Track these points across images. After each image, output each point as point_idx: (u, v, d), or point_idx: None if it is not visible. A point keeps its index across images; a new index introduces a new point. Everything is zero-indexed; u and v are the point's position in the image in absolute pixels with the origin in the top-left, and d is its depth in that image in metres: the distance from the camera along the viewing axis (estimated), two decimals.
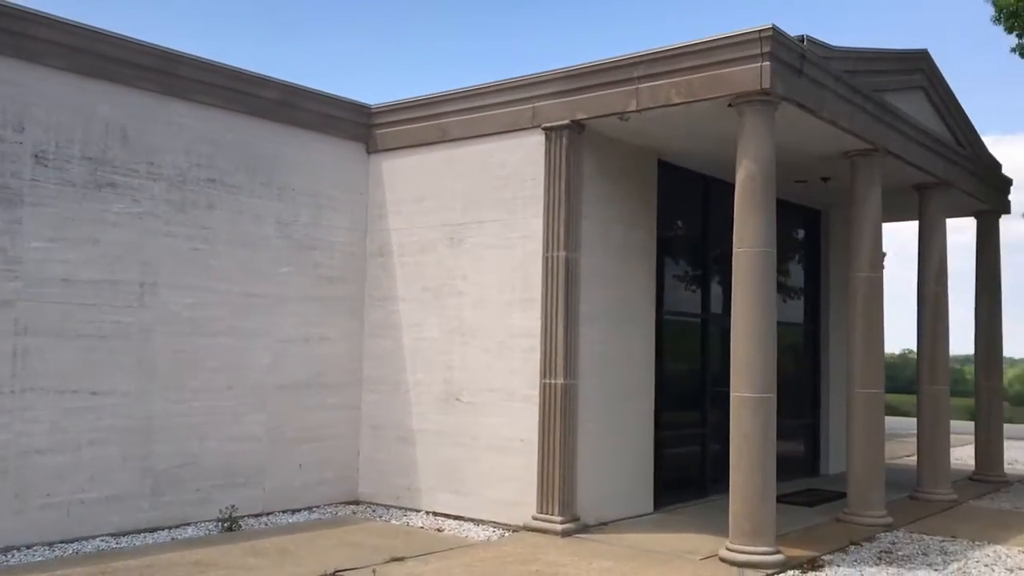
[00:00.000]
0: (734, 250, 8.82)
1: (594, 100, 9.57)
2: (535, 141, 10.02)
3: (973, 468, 15.27)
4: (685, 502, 11.64)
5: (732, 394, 8.71)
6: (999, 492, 13.73)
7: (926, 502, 12.43)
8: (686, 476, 12.04)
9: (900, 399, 40.77)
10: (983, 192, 14.16)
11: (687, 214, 12.46)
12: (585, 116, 9.66)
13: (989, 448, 14.90)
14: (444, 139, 10.88)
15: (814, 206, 15.13)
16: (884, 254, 25.23)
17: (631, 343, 10.68)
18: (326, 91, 11.30)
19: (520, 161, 10.18)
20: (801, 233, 15.35)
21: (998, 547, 9.65)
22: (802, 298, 15.37)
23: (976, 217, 15.18)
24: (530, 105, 10.07)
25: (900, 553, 9.26)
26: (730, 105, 8.88)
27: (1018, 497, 13.26)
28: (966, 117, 13.43)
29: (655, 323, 11.22)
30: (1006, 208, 15.21)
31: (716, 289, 13.11)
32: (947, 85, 12.75)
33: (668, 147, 10.96)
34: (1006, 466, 17.12)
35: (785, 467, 14.28)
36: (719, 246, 13.98)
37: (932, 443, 12.71)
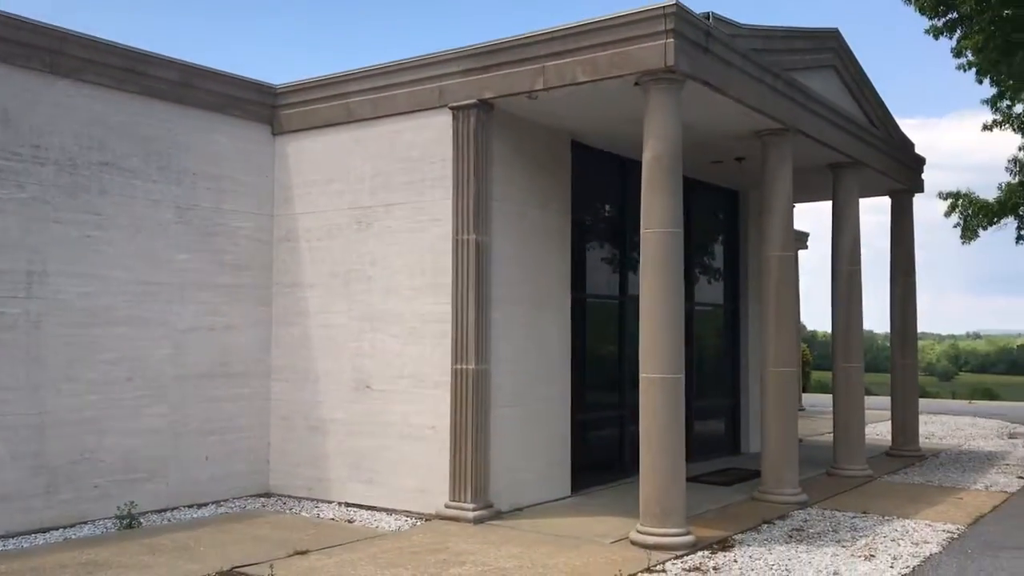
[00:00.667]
0: (641, 231, 8.72)
1: (501, 79, 9.36)
2: (443, 121, 9.79)
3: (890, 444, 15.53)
4: (604, 485, 11.58)
5: (641, 375, 8.63)
6: (913, 467, 13.96)
7: (842, 478, 12.57)
8: (605, 459, 11.98)
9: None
10: (896, 171, 14.33)
11: (604, 196, 12.36)
12: (493, 95, 9.45)
13: (905, 424, 15.16)
14: (351, 119, 10.57)
15: (733, 187, 15.17)
16: (807, 234, 25.67)
17: (546, 326, 10.54)
18: (227, 71, 10.91)
19: (428, 141, 9.94)
20: (721, 215, 15.39)
21: (906, 522, 9.77)
22: (722, 279, 15.43)
23: (890, 196, 15.37)
24: (437, 84, 9.82)
25: (811, 530, 9.30)
26: (636, 84, 8.75)
27: (931, 471, 13.49)
28: (878, 97, 13.56)
29: (571, 306, 11.10)
30: (919, 187, 15.43)
31: (635, 271, 13.03)
32: (858, 64, 12.83)
33: (582, 128, 10.82)
34: (926, 440, 17.53)
35: (707, 446, 14.44)
36: (638, 228, 13.97)
37: (847, 420, 12.85)
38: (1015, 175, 18.07)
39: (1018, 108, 17.91)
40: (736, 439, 15.29)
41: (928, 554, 8.28)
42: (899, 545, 8.64)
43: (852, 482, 12.32)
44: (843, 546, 8.57)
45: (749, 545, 8.58)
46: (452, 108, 9.67)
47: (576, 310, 11.30)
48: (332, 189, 10.76)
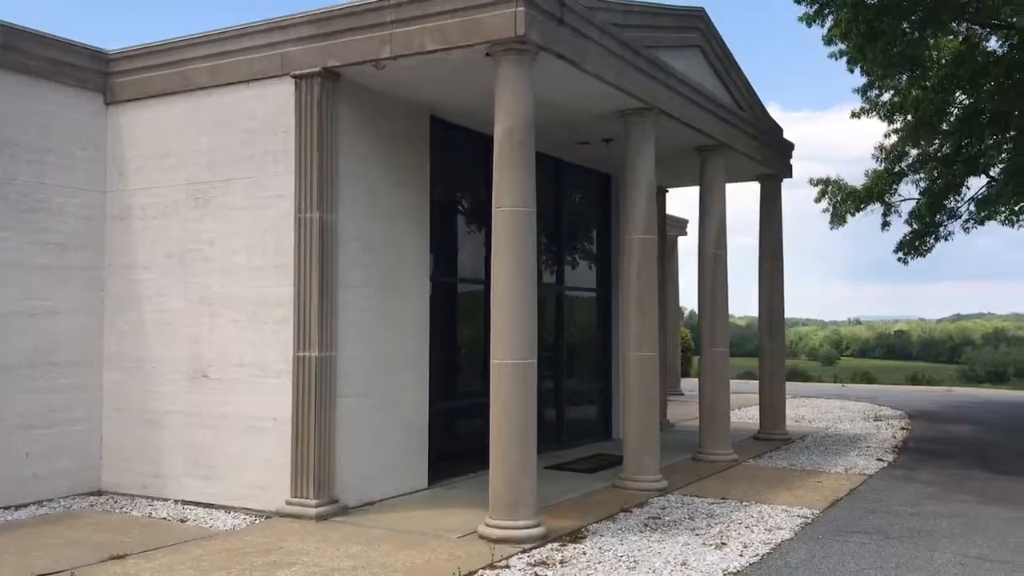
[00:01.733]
0: (493, 210, 8.29)
1: (346, 46, 8.77)
2: (285, 90, 9.14)
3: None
4: (467, 475, 11.15)
5: (492, 361, 8.22)
6: (779, 450, 14.04)
7: (707, 463, 12.50)
8: (468, 448, 11.55)
9: (746, 362, 42.86)
10: (765, 156, 14.33)
11: (470, 175, 11.88)
12: (338, 63, 8.85)
13: (772, 407, 15.26)
14: (188, 88, 9.81)
15: (606, 170, 14.93)
16: (686, 221, 25.78)
17: (401, 311, 10.02)
18: (55, 34, 9.97)
19: (269, 112, 9.27)
20: (593, 198, 15.15)
21: (764, 507, 9.67)
22: (595, 263, 15.20)
23: (759, 181, 15.41)
24: (279, 51, 9.16)
25: (668, 518, 9.08)
26: (488, 54, 8.30)
27: (795, 454, 13.57)
28: (746, 80, 13.50)
29: (432, 290, 10.62)
30: (788, 172, 15.52)
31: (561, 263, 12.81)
32: (725, 46, 12.72)
33: (443, 103, 10.32)
34: (796, 423, 17.77)
35: (579, 432, 14.21)
36: (567, 222, 13.61)
37: (712, 404, 12.79)
38: (881, 162, 18.46)
39: (885, 96, 18.30)
40: (608, 424, 15.12)
41: (780, 540, 8.14)
42: (752, 532, 8.49)
43: (716, 467, 12.25)
44: (697, 534, 8.37)
45: (602, 535, 8.28)
46: (295, 77, 9.03)
47: (438, 294, 10.83)
48: (168, 163, 9.97)
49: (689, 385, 26.51)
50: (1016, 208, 18.41)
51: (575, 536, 8.24)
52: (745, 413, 19.39)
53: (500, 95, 8.20)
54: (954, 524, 8.97)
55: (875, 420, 18.77)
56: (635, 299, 10.60)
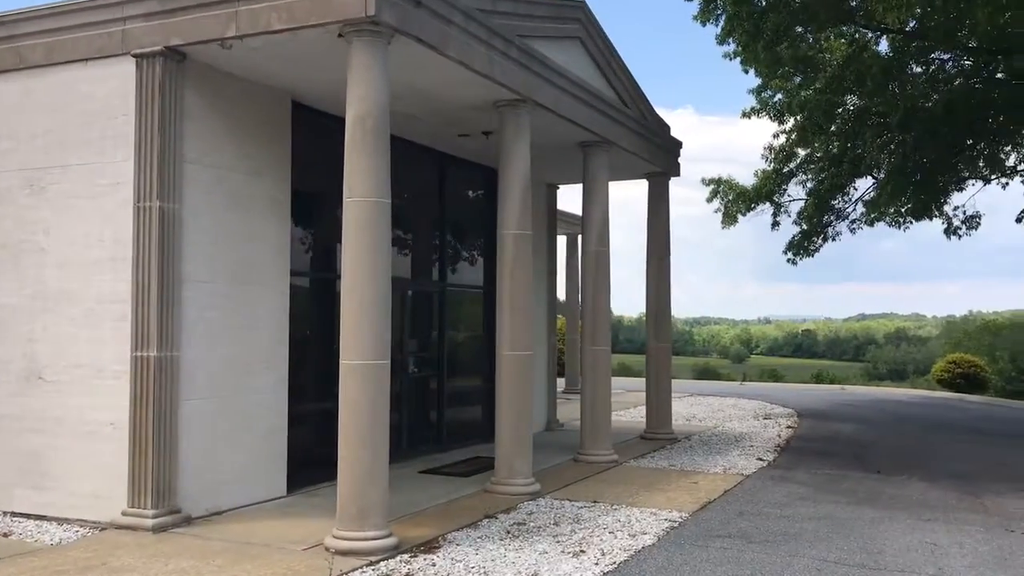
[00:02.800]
0: (344, 200, 7.82)
1: (191, 23, 8.18)
2: (126, 70, 8.49)
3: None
4: (330, 482, 10.55)
5: (341, 362, 7.76)
6: (663, 450, 13.90)
7: (586, 464, 12.26)
8: (331, 453, 10.98)
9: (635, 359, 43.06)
10: (652, 153, 14.17)
11: (337, 164, 11.28)
12: (182, 42, 8.24)
13: (659, 406, 15.13)
14: (22, 66, 9.06)
15: (491, 164, 14.53)
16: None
17: (256, 308, 9.45)
18: None
19: (110, 94, 8.61)
20: (478, 193, 14.77)
21: (633, 511, 9.43)
22: (482, 260, 14.83)
23: (647, 179, 15.26)
24: (119, 27, 8.50)
25: (533, 524, 8.75)
26: (340, 35, 7.82)
27: (678, 454, 13.44)
28: (630, 76, 13.30)
29: (295, 286, 10.08)
30: (676, 171, 15.40)
31: (443, 257, 12.32)
32: (607, 40, 12.48)
33: (304, 88, 9.78)
34: (686, 422, 17.74)
35: (462, 434, 13.81)
36: (450, 216, 13.11)
37: (593, 404, 12.54)
38: (770, 162, 18.56)
39: (778, 96, 18.39)
40: (491, 426, 14.71)
41: (641, 547, 7.88)
42: (615, 538, 8.22)
43: (595, 468, 12.01)
44: (558, 541, 8.05)
45: (459, 544, 7.90)
46: (136, 56, 8.39)
47: (300, 290, 10.30)
48: (1, 147, 9.20)
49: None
50: (903, 210, 18.71)
51: (429, 546, 7.83)
52: (640, 412, 19.29)
53: (352, 79, 7.75)
54: (820, 526, 8.86)
55: (764, 418, 18.89)
56: (508, 296, 10.26)
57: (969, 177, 17.93)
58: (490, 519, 8.98)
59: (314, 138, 10.45)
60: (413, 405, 12.80)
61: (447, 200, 13.59)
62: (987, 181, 19.05)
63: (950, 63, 15.66)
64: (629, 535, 8.34)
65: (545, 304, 15.88)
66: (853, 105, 16.65)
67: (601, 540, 8.12)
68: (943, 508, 9.88)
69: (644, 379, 15.65)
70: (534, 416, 15.48)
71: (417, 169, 12.84)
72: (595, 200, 12.61)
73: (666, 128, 14.87)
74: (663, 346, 15.20)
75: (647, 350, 15.33)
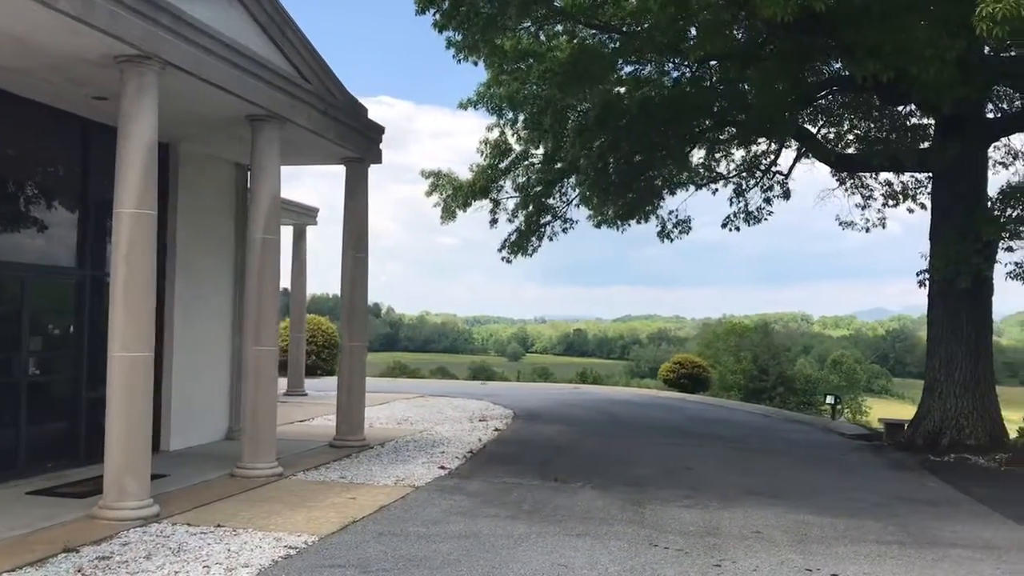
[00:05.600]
0: None
1: None
2: None
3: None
4: None
5: None
6: (345, 459, 12.77)
7: (243, 479, 10.92)
8: None
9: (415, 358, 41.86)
10: (342, 136, 13.01)
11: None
12: None
13: (350, 411, 14.02)
14: None
15: (162, 139, 12.84)
16: (316, 210, 24.11)
17: None
18: None
19: None
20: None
21: (255, 536, 8.22)
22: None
23: (345, 165, 14.12)
24: None
25: (118, 559, 7.33)
26: None
27: (358, 465, 12.35)
28: (311, 48, 12.09)
29: None
30: (376, 158, 14.33)
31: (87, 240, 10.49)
32: (280, 6, 11.21)
33: None
34: (398, 425, 16.79)
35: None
36: (97, 192, 11.21)
37: (255, 411, 11.21)
38: (485, 156, 17.96)
39: (499, 89, 17.81)
40: (157, 435, 13.03)
41: None
42: (207, 574, 6.97)
43: (250, 484, 10.70)
44: None
45: None
46: None
47: None
48: None
49: (323, 385, 24.94)
50: (610, 212, 18.71)
51: None
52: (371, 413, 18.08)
53: None
54: (456, 548, 8.04)
55: (479, 420, 18.28)
56: (123, 288, 8.75)
57: (659, 178, 18.09)
58: (69, 553, 7.47)
59: None
60: (39, 413, 10.91)
61: (93, 174, 11.75)
62: (699, 187, 19.45)
63: (650, 66, 15.66)
64: (227, 569, 7.12)
65: (231, 300, 14.34)
66: (557, 100, 16.31)
67: (175, 569, 6.85)
68: (601, 520, 9.39)
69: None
70: (213, 423, 14.05)
71: (49, 136, 11.01)
72: (264, 182, 11.29)
73: (361, 110, 13.76)
74: (357, 345, 14.09)
75: (340, 349, 14.19)
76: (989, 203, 15.67)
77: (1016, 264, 15.13)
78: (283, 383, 24.17)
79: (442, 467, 12.25)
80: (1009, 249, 15.14)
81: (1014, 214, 14.99)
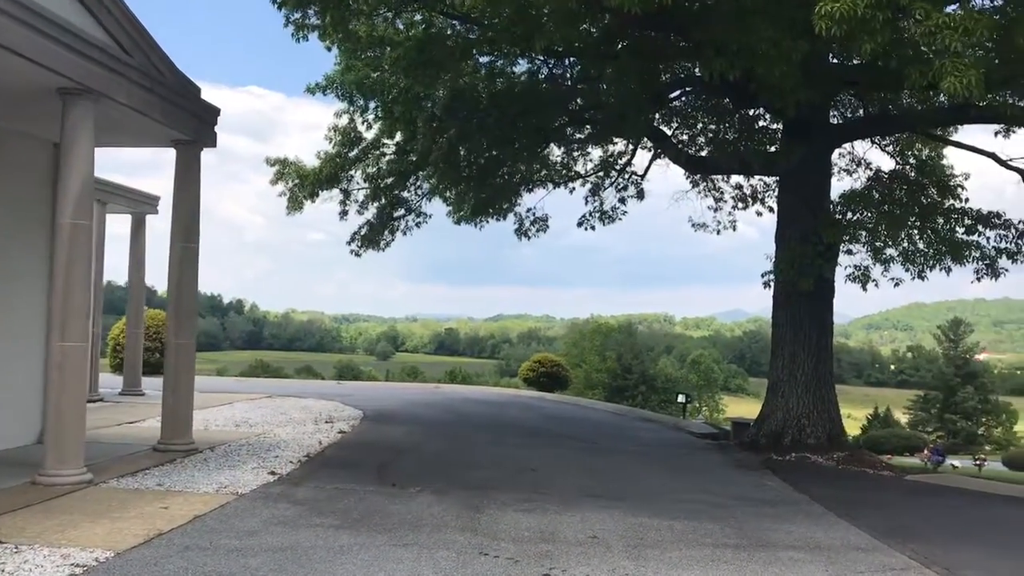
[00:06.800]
0: None
1: None
2: None
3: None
4: None
5: None
6: (168, 464, 11.83)
7: (45, 487, 9.89)
8: None
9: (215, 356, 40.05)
10: (168, 116, 12.04)
11: None
12: None
13: (177, 413, 13.03)
14: None
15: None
16: (158, 198, 22.76)
17: None
18: None
19: None
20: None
21: (42, 552, 7.36)
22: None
23: (175, 148, 13.13)
24: None
25: None
26: None
27: (179, 471, 11.44)
28: (134, 20, 11.14)
29: None
30: (210, 141, 13.39)
31: None
32: None
33: None
34: (236, 427, 15.86)
35: None
36: None
37: (59, 411, 10.18)
38: (334, 144, 17.20)
39: (349, 76, 17.09)
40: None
41: None
42: None
43: (53, 492, 9.69)
44: None
45: None
46: None
47: None
48: None
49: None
50: (464, 208, 18.29)
51: None
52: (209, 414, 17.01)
53: None
54: (270, 562, 7.41)
55: (325, 422, 17.50)
56: None
57: (517, 174, 17.84)
58: None
59: None
60: None
61: None
62: (556, 185, 19.28)
63: (502, 59, 15.33)
64: None
65: (43, 290, 13.12)
66: (407, 88, 15.74)
67: None
68: (433, 528, 8.91)
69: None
70: (23, 425, 12.83)
71: None
72: (74, 162, 10.28)
73: (193, 89, 12.82)
74: (185, 343, 13.12)
75: (166, 347, 13.19)
76: (832, 207, 16.05)
77: (855, 267, 15.56)
78: (119, 381, 22.74)
79: (272, 472, 11.51)
80: (849, 252, 15.54)
81: (855, 218, 15.38)
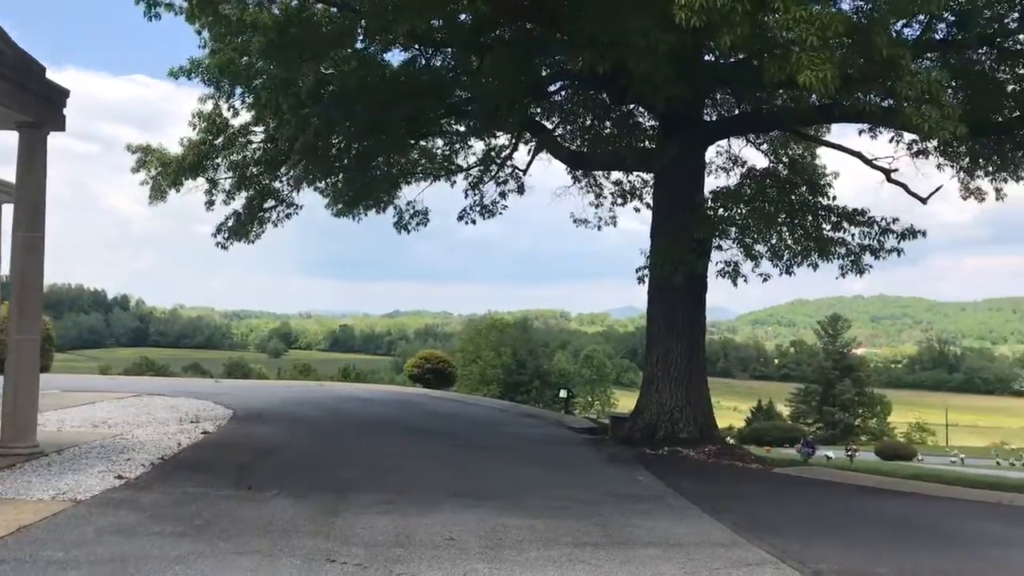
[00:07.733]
0: None
1: None
2: None
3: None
4: None
5: None
6: (6, 470, 10.97)
7: None
8: None
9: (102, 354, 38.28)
10: (7, 96, 11.22)
11: None
12: None
13: (17, 413, 12.16)
14: None
15: None
16: (11, 184, 21.39)
17: None
18: None
19: None
20: None
21: None
22: None
23: (19, 131, 12.25)
24: None
25: None
26: None
27: (15, 477, 10.57)
28: None
29: None
30: (58, 125, 12.55)
31: None
32: None
33: None
34: (94, 428, 14.99)
35: None
36: None
37: None
38: (199, 130, 16.45)
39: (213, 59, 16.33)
40: None
41: None
42: None
43: None
44: None
45: None
46: None
47: None
48: None
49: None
50: (341, 200, 17.81)
51: None
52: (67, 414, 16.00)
53: None
54: (92, 574, 6.85)
55: (191, 422, 16.70)
56: None
57: (395, 166, 17.49)
58: None
59: None
60: None
61: None
62: (437, 178, 18.96)
63: (374, 46, 14.91)
64: None
65: None
66: (272, 73, 15.16)
67: None
68: (282, 533, 8.47)
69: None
70: None
71: None
72: None
73: (36, 68, 11.98)
74: (27, 339, 12.26)
75: (7, 344, 12.30)
76: (704, 203, 16.21)
77: (725, 263, 15.74)
78: None
79: (119, 476, 10.83)
80: (719, 248, 15.71)
81: (726, 214, 15.56)
